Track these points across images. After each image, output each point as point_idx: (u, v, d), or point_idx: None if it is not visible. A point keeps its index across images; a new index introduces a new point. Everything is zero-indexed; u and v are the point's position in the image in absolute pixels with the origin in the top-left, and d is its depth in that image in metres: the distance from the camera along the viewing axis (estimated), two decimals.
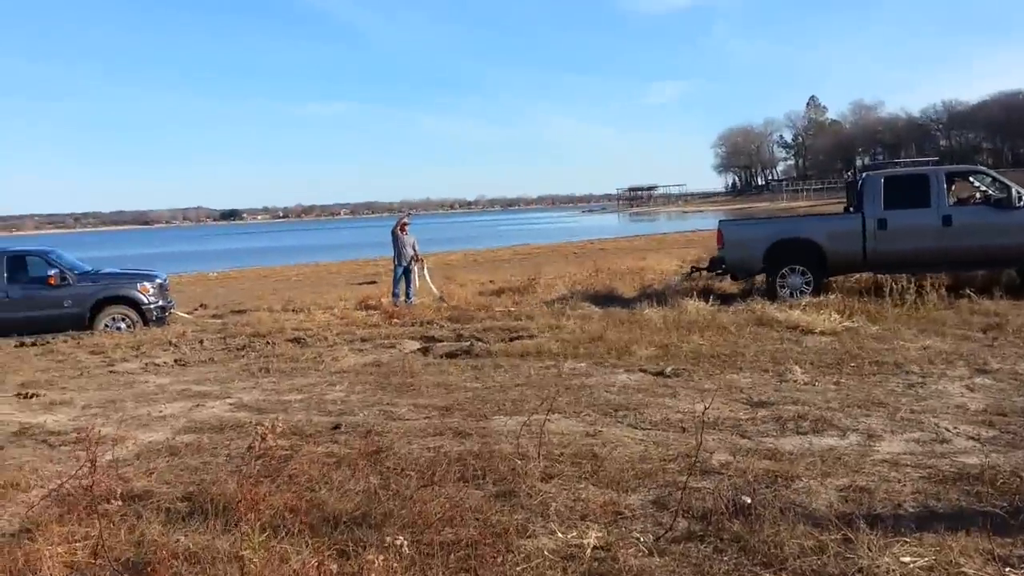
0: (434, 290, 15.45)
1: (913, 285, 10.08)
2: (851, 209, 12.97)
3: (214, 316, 15.27)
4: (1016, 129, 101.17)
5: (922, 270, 11.38)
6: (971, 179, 12.41)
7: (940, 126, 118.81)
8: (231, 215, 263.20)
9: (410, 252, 15.09)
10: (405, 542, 3.06)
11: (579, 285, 15.71)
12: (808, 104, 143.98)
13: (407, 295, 14.90)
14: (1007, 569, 3.13)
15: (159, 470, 5.13)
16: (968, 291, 10.08)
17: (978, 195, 12.13)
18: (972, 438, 4.94)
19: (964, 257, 11.17)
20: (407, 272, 15.06)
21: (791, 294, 11.26)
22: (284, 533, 3.74)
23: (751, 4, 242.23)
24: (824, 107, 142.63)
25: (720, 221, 13.15)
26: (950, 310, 9.46)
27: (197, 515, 4.15)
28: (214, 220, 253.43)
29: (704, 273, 13.64)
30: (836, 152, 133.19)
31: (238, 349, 10.29)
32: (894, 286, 10.07)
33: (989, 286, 10.73)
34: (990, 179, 11.77)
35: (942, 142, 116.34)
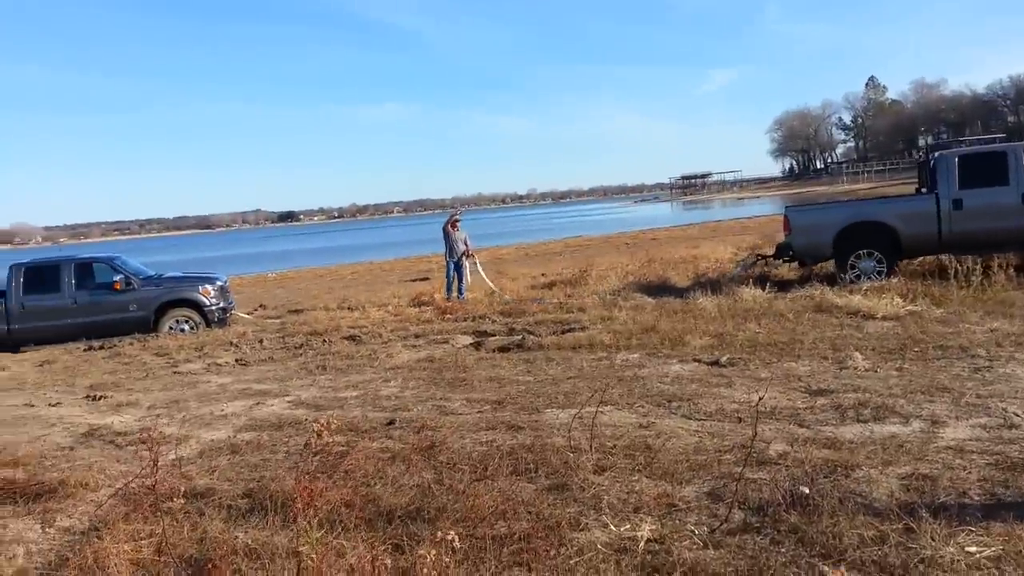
0: (489, 284, 15.52)
1: (979, 266, 9.71)
2: (923, 190, 12.56)
3: (273, 316, 15.61)
4: None
5: (1001, 250, 10.98)
6: None
7: (1008, 102, 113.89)
8: (288, 217, 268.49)
9: (462, 247, 15.18)
10: (456, 537, 3.08)
11: (631, 276, 15.56)
12: (867, 84, 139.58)
13: (459, 290, 14.99)
14: None
15: (220, 468, 5.27)
16: None
17: None
18: None
19: None
20: (459, 267, 15.16)
21: (862, 278, 10.92)
22: (340, 528, 3.81)
23: None
24: (884, 87, 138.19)
25: (786, 207, 12.81)
26: (1019, 291, 9.09)
27: (257, 511, 4.26)
28: (272, 222, 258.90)
29: (770, 260, 13.32)
30: (897, 133, 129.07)
31: (296, 348, 10.51)
32: (959, 267, 9.71)
33: None
34: None
35: (1010, 118, 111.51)
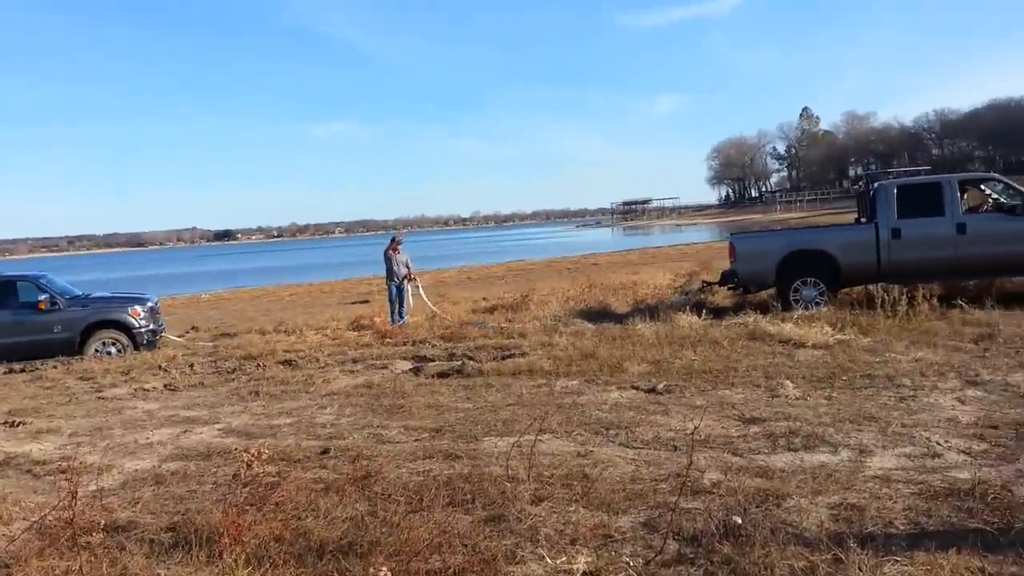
0: (431, 307, 15.48)
1: (905, 296, 10.06)
2: (862, 219, 12.97)
3: (205, 339, 15.20)
4: (1008, 137, 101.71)
5: (937, 279, 11.36)
6: (982, 187, 12.34)
7: (933, 135, 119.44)
8: (225, 235, 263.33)
9: (403, 271, 15.11)
10: (390, 572, 3.01)
11: (572, 301, 15.67)
12: (801, 115, 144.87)
13: (399, 314, 14.88)
14: None
15: (144, 500, 5.07)
16: (959, 301, 10.07)
17: (989, 202, 12.05)
18: (963, 452, 4.91)
19: (979, 265, 11.11)
20: (400, 291, 15.07)
21: (805, 306, 11.17)
22: (268, 564, 3.69)
23: (744, 16, 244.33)
24: (817, 118, 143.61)
25: (731, 235, 13.04)
26: (942, 320, 9.44)
27: (181, 546, 4.09)
28: (208, 241, 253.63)
29: (708, 287, 13.55)
30: (829, 163, 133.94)
31: (228, 372, 10.24)
32: (885, 297, 10.05)
33: (980, 296, 10.72)
34: (1003, 186, 11.73)
35: (934, 151, 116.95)
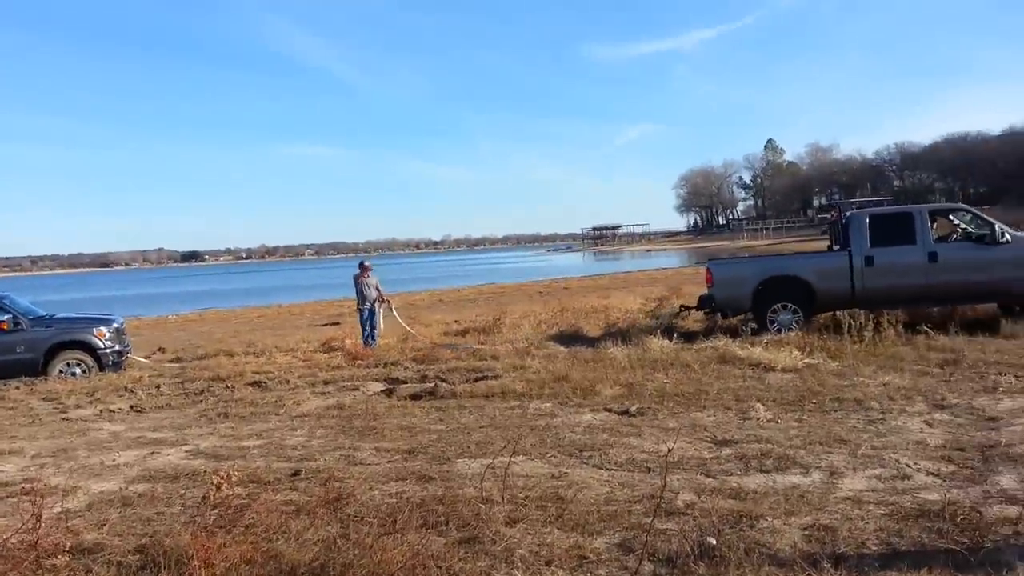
0: (405, 327, 15.52)
1: (871, 322, 10.24)
2: (834, 247, 13.21)
3: (172, 360, 14.95)
4: (965, 170, 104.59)
5: (909, 306, 11.61)
6: (951, 216, 12.62)
7: (894, 167, 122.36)
8: (193, 257, 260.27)
9: (373, 294, 15.11)
10: None
11: (544, 324, 15.70)
12: (766, 146, 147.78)
13: (371, 337, 14.83)
14: None
15: (110, 522, 4.95)
16: (924, 327, 10.28)
17: (958, 232, 12.33)
18: (932, 474, 4.99)
19: (949, 292, 11.37)
20: (372, 314, 15.05)
21: (780, 331, 11.29)
22: None
23: (710, 51, 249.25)
24: (782, 149, 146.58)
25: (709, 260, 13.14)
26: (907, 346, 9.62)
27: (149, 569, 4.01)
28: (175, 262, 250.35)
29: (691, 312, 13.62)
30: (793, 193, 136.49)
31: (196, 394, 10.08)
32: (852, 323, 10.22)
33: (945, 322, 10.96)
34: (971, 216, 12.03)
35: (896, 182, 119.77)
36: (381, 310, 15.36)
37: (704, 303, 12.57)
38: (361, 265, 15.61)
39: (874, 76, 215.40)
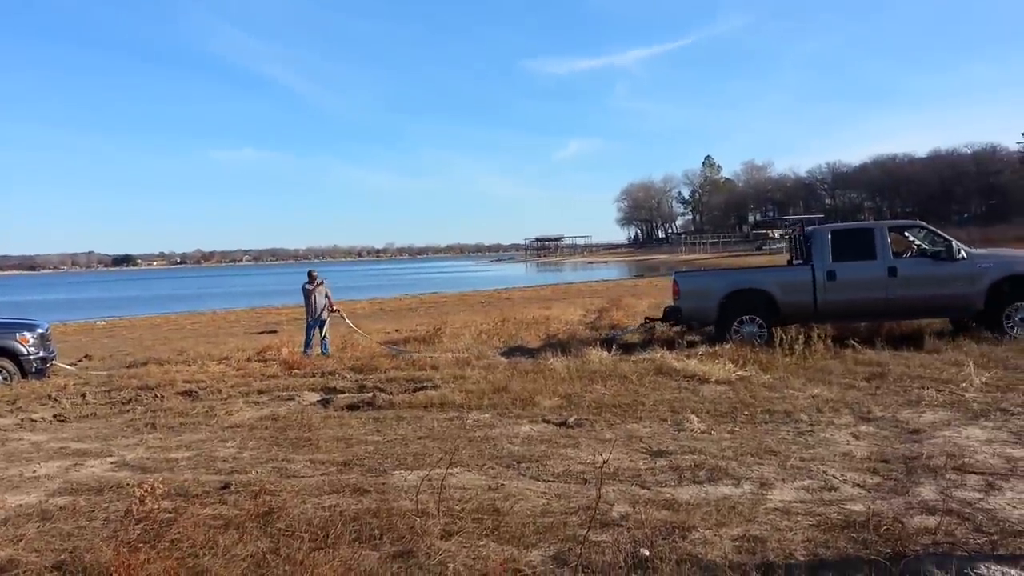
0: (357, 330, 15.87)
1: (802, 335, 10.52)
2: (794, 262, 13.51)
3: (99, 368, 14.43)
4: (893, 189, 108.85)
5: (869, 319, 11.97)
6: (905, 233, 12.90)
7: (825, 186, 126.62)
8: (125, 260, 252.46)
9: (323, 302, 14.91)
10: None
11: (485, 334, 15.69)
12: (704, 163, 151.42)
13: (323, 346, 14.62)
14: None
15: (27, 537, 4.73)
16: (852, 341, 10.60)
17: (912, 248, 12.64)
18: (858, 485, 5.13)
19: (908, 306, 11.71)
20: (321, 325, 14.83)
21: (745, 341, 11.37)
22: None
23: (647, 69, 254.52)
24: (719, 166, 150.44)
25: (675, 272, 13.20)
26: (836, 359, 9.90)
27: None
28: (106, 266, 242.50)
29: (658, 324, 13.68)
30: (730, 208, 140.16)
31: (123, 403, 9.74)
32: (784, 336, 10.48)
33: (871, 337, 11.33)
34: (927, 233, 12.35)
35: (827, 200, 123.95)
36: (329, 320, 15.17)
37: (670, 315, 12.69)
38: (309, 275, 15.34)
39: (807, 98, 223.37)
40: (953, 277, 11.48)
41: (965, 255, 11.53)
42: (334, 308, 15.31)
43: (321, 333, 14.78)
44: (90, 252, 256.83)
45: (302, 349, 14.41)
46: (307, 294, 14.93)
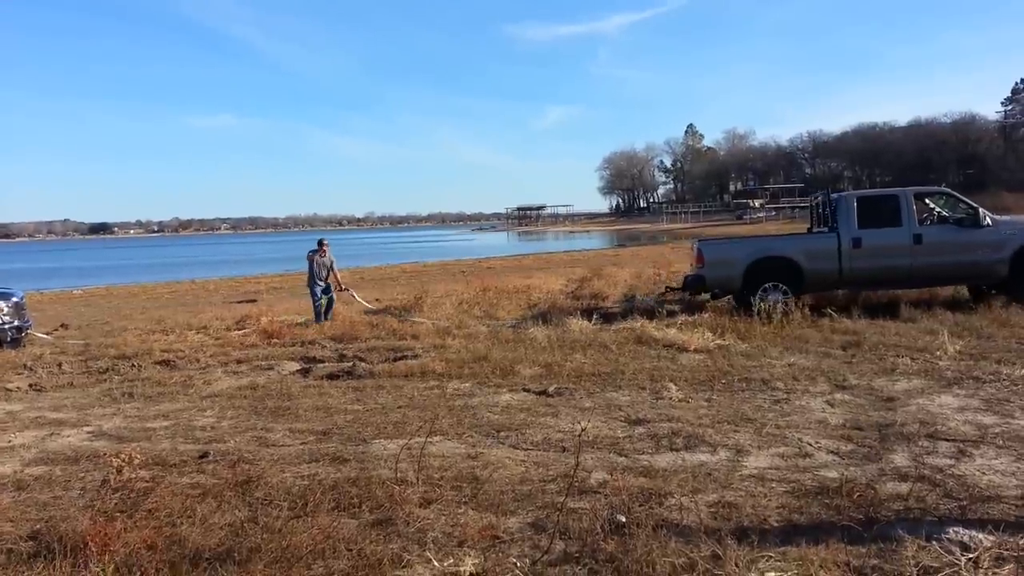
0: (362, 302, 15.82)
1: (779, 305, 10.59)
2: (811, 230, 13.44)
3: (76, 337, 14.28)
4: (872, 158, 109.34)
5: (894, 287, 12.00)
6: (926, 200, 12.73)
7: (806, 155, 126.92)
8: (101, 229, 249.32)
9: (324, 273, 14.85)
10: None
11: (466, 304, 15.68)
12: (686, 132, 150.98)
13: (324, 315, 14.58)
14: None
15: (3, 506, 4.71)
16: (829, 310, 10.69)
17: (933, 215, 12.53)
18: (832, 452, 5.20)
19: (933, 274, 11.72)
20: (327, 291, 14.78)
21: (770, 310, 11.03)
22: (139, 573, 3.50)
23: (630, 36, 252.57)
24: (701, 135, 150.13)
25: (699, 241, 12.99)
26: (813, 328, 9.99)
27: (43, 556, 3.82)
28: (82, 234, 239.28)
29: (677, 293, 13.60)
30: (711, 177, 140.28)
31: (100, 372, 9.66)
32: (762, 305, 10.55)
33: (848, 306, 11.43)
34: (955, 200, 12.33)
35: (807, 170, 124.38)
36: (335, 291, 15.09)
37: (693, 283, 12.52)
38: (319, 243, 15.22)
39: (788, 66, 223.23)
40: (978, 244, 11.48)
41: (990, 222, 11.51)
42: (341, 287, 15.23)
43: (327, 302, 14.75)
44: (65, 220, 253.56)
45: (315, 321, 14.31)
46: (310, 261, 14.89)
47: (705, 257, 12.38)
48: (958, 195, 12.32)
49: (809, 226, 14.43)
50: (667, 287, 14.29)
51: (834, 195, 12.40)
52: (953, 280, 12.12)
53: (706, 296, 13.08)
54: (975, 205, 11.81)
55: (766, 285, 11.77)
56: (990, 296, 11.69)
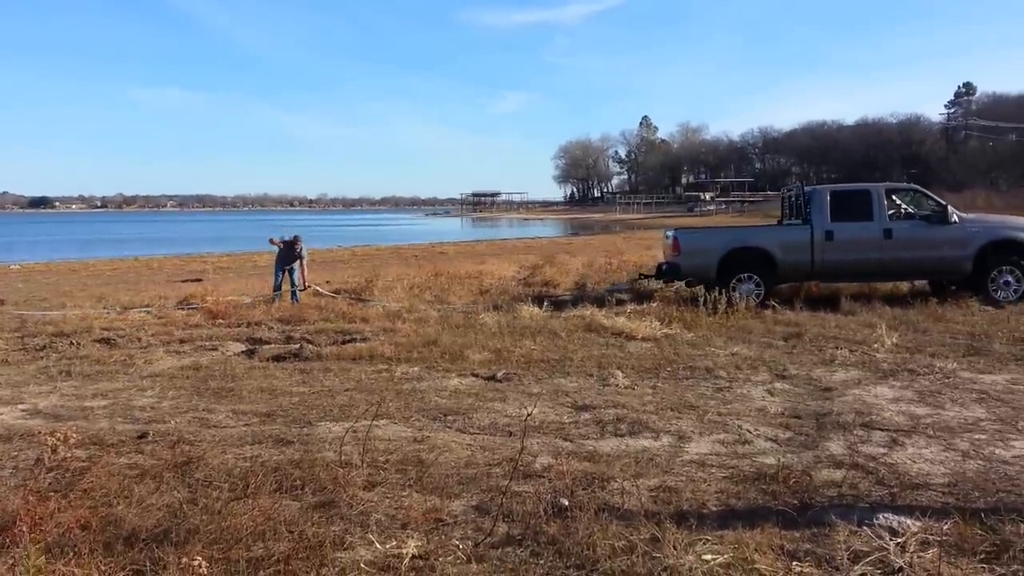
0: (330, 295, 15.11)
1: (724, 295, 10.79)
2: (781, 222, 13.65)
3: (12, 313, 13.81)
4: (820, 155, 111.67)
5: (865, 280, 12.25)
6: (894, 196, 12.82)
7: (756, 150, 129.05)
8: (42, 203, 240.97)
9: (292, 260, 14.70)
10: (205, 561, 2.86)
11: (417, 288, 15.60)
12: (641, 123, 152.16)
13: (293, 296, 14.44)
14: (794, 563, 3.38)
15: None
16: (772, 302, 10.92)
17: (902, 211, 12.67)
18: (770, 439, 5.34)
19: (902, 268, 12.02)
20: (291, 271, 14.68)
21: (743, 299, 11.30)
22: (72, 554, 3.41)
23: (588, 26, 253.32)
24: (655, 127, 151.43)
25: (675, 230, 13.02)
26: (757, 319, 10.22)
27: None
28: (22, 208, 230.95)
29: (650, 280, 13.63)
30: (664, 170, 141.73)
31: (37, 350, 9.37)
32: (708, 296, 10.74)
33: (791, 298, 11.69)
34: (924, 197, 12.58)
35: (757, 165, 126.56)
36: (298, 269, 14.86)
37: (667, 272, 12.61)
38: (294, 238, 15.00)
39: (742, 63, 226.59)
40: (945, 240, 11.77)
41: (957, 219, 11.81)
42: (307, 285, 14.98)
43: (292, 281, 14.64)
44: (3, 193, 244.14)
45: (290, 300, 14.14)
46: (278, 247, 14.90)
47: (681, 246, 12.48)
48: (926, 192, 12.68)
49: (780, 218, 14.68)
50: (640, 274, 14.39)
51: (808, 188, 12.63)
52: (921, 275, 12.49)
53: (656, 285, 13.25)
54: (944, 203, 12.12)
55: (740, 275, 11.96)
56: (949, 292, 12.06)
